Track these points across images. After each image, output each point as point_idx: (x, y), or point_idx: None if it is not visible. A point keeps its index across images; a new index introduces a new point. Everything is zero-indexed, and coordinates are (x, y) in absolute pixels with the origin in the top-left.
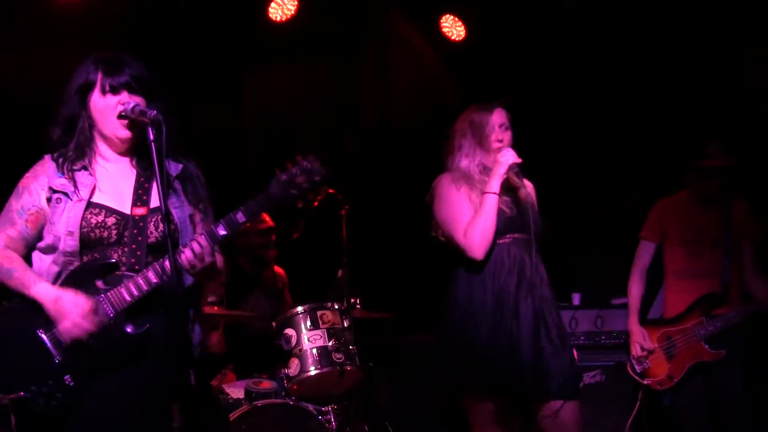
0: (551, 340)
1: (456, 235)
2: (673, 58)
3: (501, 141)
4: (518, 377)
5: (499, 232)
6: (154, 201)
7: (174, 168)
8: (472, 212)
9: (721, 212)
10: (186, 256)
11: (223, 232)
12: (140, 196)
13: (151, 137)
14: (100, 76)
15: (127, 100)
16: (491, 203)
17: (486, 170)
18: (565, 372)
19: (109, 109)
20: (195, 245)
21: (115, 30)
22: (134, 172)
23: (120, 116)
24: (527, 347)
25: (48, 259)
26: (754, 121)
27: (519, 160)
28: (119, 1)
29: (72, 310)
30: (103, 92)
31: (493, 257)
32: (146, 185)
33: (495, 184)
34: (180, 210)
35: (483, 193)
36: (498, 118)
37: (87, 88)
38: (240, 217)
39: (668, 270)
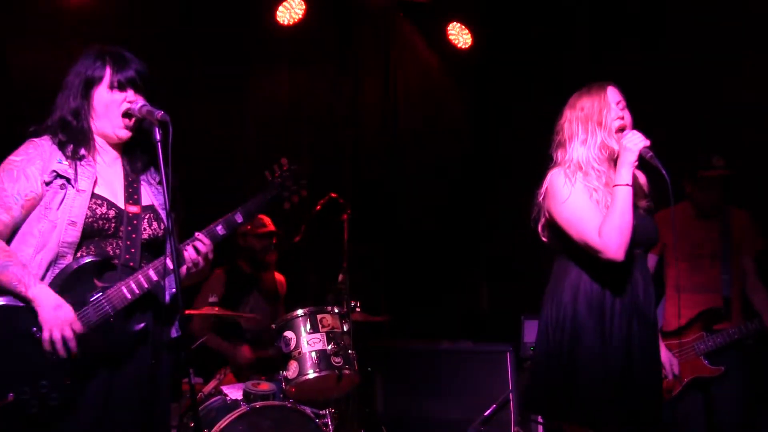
0: (655, 367)
1: (589, 235)
2: (676, 71)
3: (622, 119)
4: (645, 406)
5: None
6: (145, 200)
7: (157, 175)
8: (596, 208)
9: (720, 224)
10: (189, 255)
11: (222, 232)
12: (131, 194)
13: (158, 137)
14: (108, 71)
15: (133, 98)
16: (626, 196)
17: (608, 156)
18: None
19: (114, 104)
20: (198, 244)
21: (123, 27)
22: (123, 170)
23: (125, 114)
24: (642, 374)
25: (30, 247)
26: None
27: (648, 142)
28: (127, 2)
29: (65, 325)
30: (111, 88)
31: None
32: (135, 184)
33: (626, 174)
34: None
35: (614, 185)
36: (613, 95)
37: (93, 81)
38: (238, 217)
39: (668, 283)
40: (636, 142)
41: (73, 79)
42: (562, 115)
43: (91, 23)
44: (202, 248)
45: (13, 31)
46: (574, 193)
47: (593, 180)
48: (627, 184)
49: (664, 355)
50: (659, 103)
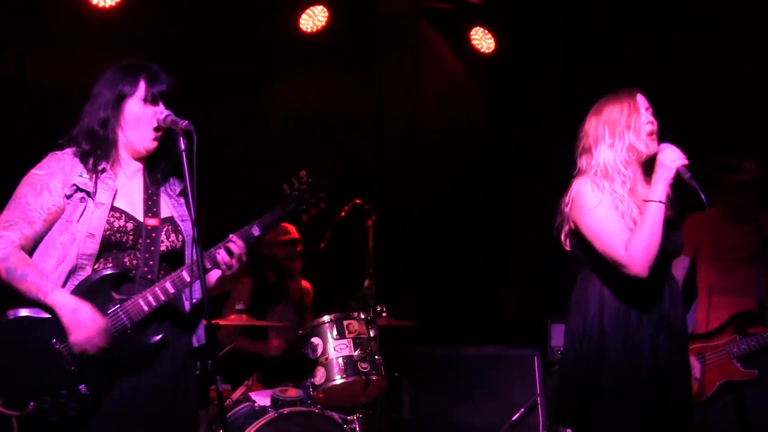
0: (684, 375)
1: (615, 249)
2: (678, 71)
3: (652, 123)
4: (673, 414)
5: None
6: (164, 212)
7: (178, 185)
8: (622, 219)
9: (754, 228)
10: (222, 258)
11: (257, 233)
12: (150, 207)
13: (182, 147)
14: (142, 84)
15: (161, 111)
16: (658, 214)
17: (636, 159)
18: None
19: (146, 118)
20: (232, 245)
21: (143, 34)
22: (142, 183)
23: (156, 128)
24: (670, 383)
25: (52, 259)
26: None
27: (686, 161)
28: (150, 7)
29: (89, 325)
30: (144, 101)
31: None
32: (155, 197)
33: (661, 190)
34: (186, 223)
35: (646, 200)
36: (642, 101)
37: (125, 94)
38: (255, 231)
39: (700, 286)
40: (674, 159)
41: (103, 90)
42: (586, 120)
43: (113, 30)
44: (236, 250)
45: (31, 41)
46: (601, 203)
47: (618, 187)
48: (660, 201)
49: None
50: (661, 103)
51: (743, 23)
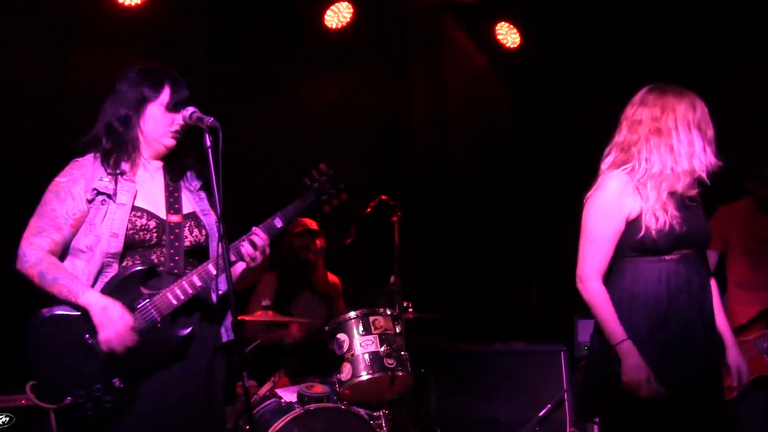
0: (715, 367)
1: (587, 263)
2: (678, 71)
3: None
4: (705, 408)
5: (668, 249)
6: (186, 208)
7: (197, 180)
8: (612, 245)
9: None
10: (246, 250)
11: (280, 225)
12: (172, 204)
13: (208, 143)
14: (167, 91)
15: (186, 109)
16: (608, 333)
17: (684, 179)
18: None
19: (165, 122)
20: (255, 238)
21: (170, 36)
22: (163, 181)
23: (174, 131)
24: (701, 375)
25: (81, 261)
26: None
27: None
28: (174, 6)
29: (117, 322)
30: (167, 109)
31: (657, 276)
32: (176, 194)
33: (622, 356)
34: (208, 217)
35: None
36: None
37: (149, 97)
38: (277, 222)
39: (730, 280)
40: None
41: (126, 90)
42: (643, 102)
43: (143, 31)
44: (259, 242)
45: (72, 41)
46: (608, 217)
47: (652, 188)
48: (620, 342)
49: (734, 358)
50: (718, 103)
51: (743, 23)
